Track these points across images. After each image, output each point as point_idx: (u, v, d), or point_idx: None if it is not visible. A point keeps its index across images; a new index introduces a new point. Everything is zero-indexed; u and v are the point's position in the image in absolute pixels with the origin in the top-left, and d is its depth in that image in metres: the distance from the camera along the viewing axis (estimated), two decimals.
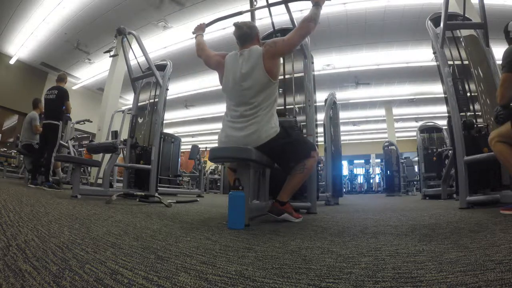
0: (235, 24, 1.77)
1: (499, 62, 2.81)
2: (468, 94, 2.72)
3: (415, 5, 6.18)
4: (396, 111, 12.54)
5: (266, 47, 1.68)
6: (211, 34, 7.02)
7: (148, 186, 3.46)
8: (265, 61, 1.64)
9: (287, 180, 1.74)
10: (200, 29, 2.14)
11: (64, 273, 0.61)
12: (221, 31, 6.51)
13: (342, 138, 5.72)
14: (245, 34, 1.75)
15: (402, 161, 8.75)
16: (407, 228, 1.40)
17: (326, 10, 6.51)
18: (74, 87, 10.47)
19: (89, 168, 6.47)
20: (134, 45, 3.96)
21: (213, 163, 5.31)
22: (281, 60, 2.81)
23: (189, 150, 7.66)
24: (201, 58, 1.96)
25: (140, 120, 4.16)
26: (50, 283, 0.56)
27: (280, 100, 2.71)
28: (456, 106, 2.53)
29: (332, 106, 4.55)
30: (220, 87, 1.82)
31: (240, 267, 0.72)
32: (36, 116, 4.75)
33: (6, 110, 9.31)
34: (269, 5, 2.56)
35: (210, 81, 9.48)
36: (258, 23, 2.70)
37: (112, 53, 4.56)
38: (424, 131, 6.21)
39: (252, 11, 2.68)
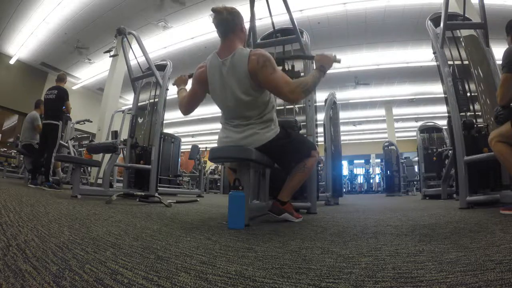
0: (214, 9, 1.50)
1: (499, 62, 2.81)
2: (468, 94, 2.72)
3: (415, 5, 6.18)
4: (396, 111, 12.55)
5: (253, 57, 1.44)
6: (210, 35, 7.04)
7: (148, 186, 3.47)
8: (251, 74, 1.44)
9: (287, 180, 1.74)
10: (182, 82, 1.89)
11: (64, 273, 0.61)
12: None
13: (342, 138, 5.72)
14: (226, 21, 1.49)
15: (402, 161, 8.75)
16: (407, 228, 1.40)
17: (326, 10, 6.51)
18: (74, 87, 10.48)
19: (89, 168, 6.47)
20: (134, 45, 3.96)
21: (213, 163, 5.30)
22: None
23: (189, 150, 7.66)
24: (188, 111, 1.73)
25: (140, 120, 4.16)
26: (50, 283, 0.56)
27: (280, 100, 2.70)
28: (456, 106, 2.53)
29: (332, 106, 4.55)
30: None
31: (240, 267, 0.72)
32: (38, 116, 4.76)
33: (6, 110, 9.32)
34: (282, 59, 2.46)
35: None
36: (258, 23, 2.70)
37: (112, 53, 4.57)
38: (424, 131, 6.21)
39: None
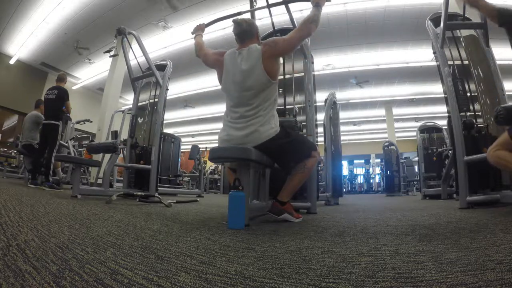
0: (234, 21, 1.76)
1: (499, 62, 2.81)
2: (468, 94, 2.72)
3: (415, 5, 6.18)
4: (396, 111, 12.53)
5: (266, 47, 1.66)
6: (212, 34, 7.02)
7: (148, 186, 3.47)
8: (264, 60, 1.62)
9: (287, 180, 1.74)
10: (199, 29, 2.16)
11: (64, 273, 0.61)
12: (221, 31, 6.51)
13: (342, 138, 5.71)
14: (245, 31, 1.73)
15: (402, 161, 8.74)
16: (407, 228, 1.40)
17: (326, 10, 6.45)
18: (74, 87, 10.47)
19: (89, 168, 6.46)
20: (134, 45, 3.96)
21: (213, 163, 5.30)
22: (281, 60, 2.81)
23: (189, 150, 7.66)
24: (199, 58, 1.98)
25: (140, 120, 4.16)
26: (50, 283, 0.56)
27: (280, 100, 2.71)
28: (456, 106, 2.53)
29: (332, 106, 4.55)
30: (220, 86, 1.82)
31: (240, 267, 0.72)
32: (41, 115, 4.78)
33: (6, 110, 9.31)
34: (269, 6, 2.56)
35: (210, 81, 9.49)
36: (258, 23, 2.70)
37: (112, 53, 4.55)
38: (424, 131, 6.21)
39: (252, 11, 2.69)
